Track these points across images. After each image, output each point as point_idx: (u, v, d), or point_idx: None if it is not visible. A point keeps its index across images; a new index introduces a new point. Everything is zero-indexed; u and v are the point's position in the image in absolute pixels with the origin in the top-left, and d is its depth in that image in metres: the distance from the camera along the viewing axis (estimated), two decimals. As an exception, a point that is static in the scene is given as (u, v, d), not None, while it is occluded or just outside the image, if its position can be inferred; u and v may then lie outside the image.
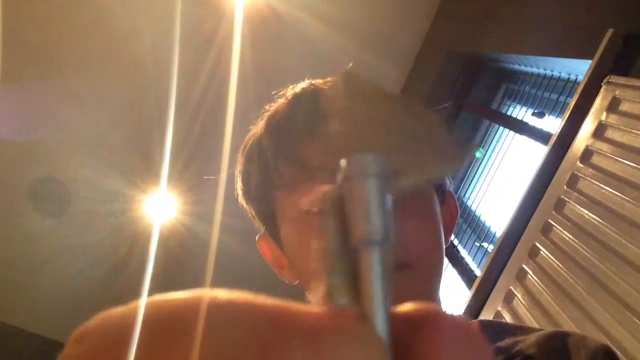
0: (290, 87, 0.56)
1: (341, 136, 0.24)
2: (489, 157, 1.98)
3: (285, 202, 0.51)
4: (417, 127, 0.27)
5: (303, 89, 0.54)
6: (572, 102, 1.21)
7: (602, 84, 1.13)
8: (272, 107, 0.56)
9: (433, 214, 0.51)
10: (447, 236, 0.54)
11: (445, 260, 0.69)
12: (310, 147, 0.49)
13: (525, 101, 1.79)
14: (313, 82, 0.55)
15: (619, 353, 0.47)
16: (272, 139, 0.52)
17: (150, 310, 0.14)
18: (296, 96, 0.54)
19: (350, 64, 0.60)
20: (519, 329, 0.52)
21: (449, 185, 0.58)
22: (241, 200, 0.58)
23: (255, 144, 0.55)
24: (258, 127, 0.56)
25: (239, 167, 0.58)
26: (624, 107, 1.06)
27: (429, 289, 0.50)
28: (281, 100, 0.55)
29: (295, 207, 0.50)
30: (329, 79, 0.55)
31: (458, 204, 0.60)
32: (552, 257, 1.10)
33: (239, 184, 0.58)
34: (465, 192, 2.05)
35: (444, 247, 0.52)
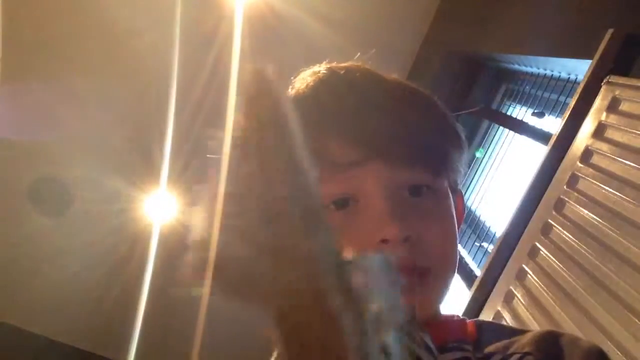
0: (309, 72, 0.52)
1: None
2: (489, 157, 1.98)
3: None
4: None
5: (321, 79, 0.50)
6: (572, 102, 1.21)
7: (602, 84, 1.12)
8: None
9: (451, 216, 0.51)
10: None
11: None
12: (335, 142, 0.46)
13: (525, 101, 1.79)
14: (332, 67, 0.52)
15: (611, 357, 0.47)
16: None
17: None
18: (319, 83, 0.50)
19: (359, 54, 0.58)
20: (515, 331, 0.52)
21: (460, 184, 0.56)
22: None
23: None
24: None
25: None
26: (624, 107, 1.06)
27: (443, 291, 0.50)
28: (300, 86, 0.51)
29: None
30: (345, 64, 0.52)
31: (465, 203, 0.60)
32: (552, 257, 1.10)
33: None
34: (465, 192, 2.05)
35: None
